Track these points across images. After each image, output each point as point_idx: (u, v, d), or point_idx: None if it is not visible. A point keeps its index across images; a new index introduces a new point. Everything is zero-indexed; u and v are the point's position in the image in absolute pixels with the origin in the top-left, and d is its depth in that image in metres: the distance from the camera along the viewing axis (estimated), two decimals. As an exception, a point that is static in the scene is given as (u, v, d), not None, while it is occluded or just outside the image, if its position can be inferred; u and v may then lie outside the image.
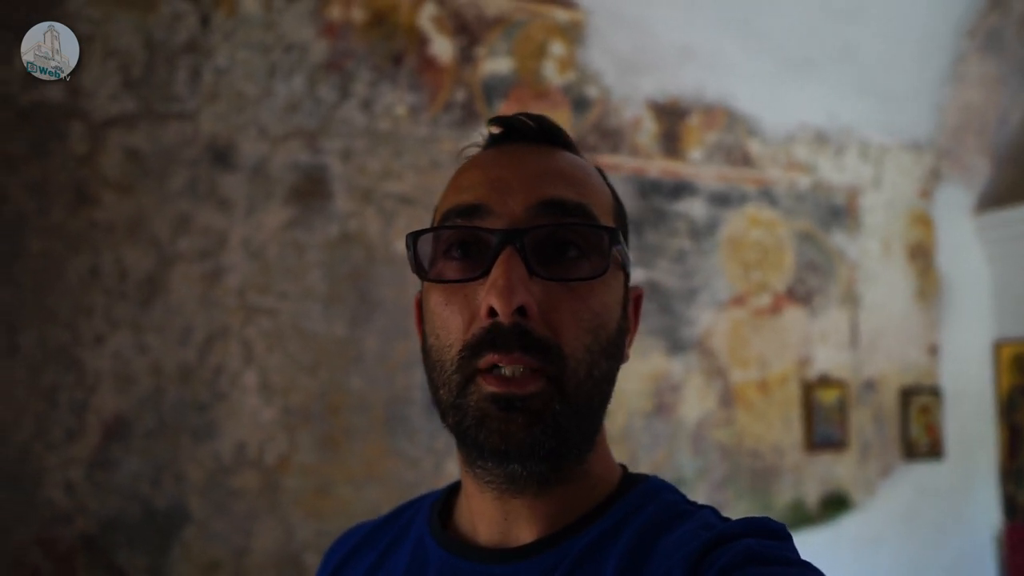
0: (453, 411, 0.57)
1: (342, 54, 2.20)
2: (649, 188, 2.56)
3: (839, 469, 2.79)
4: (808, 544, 2.70)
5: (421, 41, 2.28)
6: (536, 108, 2.41)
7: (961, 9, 2.81)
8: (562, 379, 0.56)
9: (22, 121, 1.93)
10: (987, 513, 3.01)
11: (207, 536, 2.01)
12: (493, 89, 2.37)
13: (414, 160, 2.28)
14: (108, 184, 2.00)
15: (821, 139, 2.84)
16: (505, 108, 2.38)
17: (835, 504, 2.77)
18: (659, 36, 2.53)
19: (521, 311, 0.55)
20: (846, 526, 2.77)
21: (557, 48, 2.43)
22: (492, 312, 0.55)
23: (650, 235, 2.55)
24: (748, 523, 0.56)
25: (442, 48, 2.30)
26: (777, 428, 2.71)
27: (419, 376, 2.25)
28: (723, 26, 2.59)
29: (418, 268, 0.60)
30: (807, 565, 0.52)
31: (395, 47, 2.25)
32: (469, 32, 2.32)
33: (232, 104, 2.11)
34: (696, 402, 2.59)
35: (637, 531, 0.58)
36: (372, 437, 2.18)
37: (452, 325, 0.58)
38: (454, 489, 0.70)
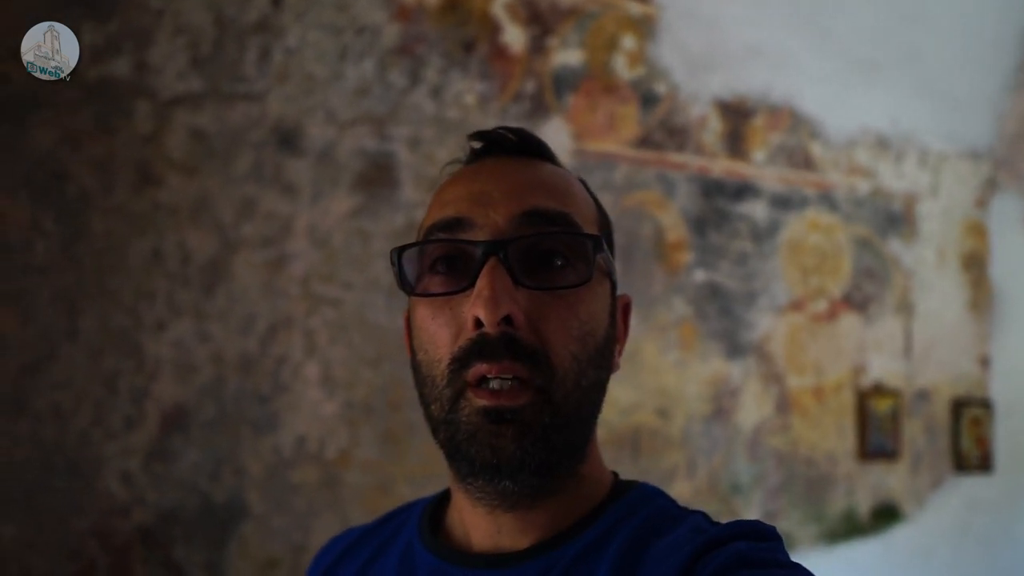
0: (445, 426, 0.58)
1: (414, 39, 2.14)
2: (713, 188, 2.51)
3: (891, 480, 2.75)
4: (860, 555, 2.66)
5: (493, 29, 2.21)
6: (605, 102, 2.35)
7: (1026, 15, 2.77)
8: (550, 389, 0.56)
9: (87, 97, 1.86)
10: (1034, 528, 2.97)
11: (265, 532, 1.94)
12: (563, 81, 2.31)
13: (481, 151, 2.22)
14: (172, 165, 1.93)
15: (882, 144, 2.79)
16: (575, 101, 2.32)
17: (886, 515, 2.72)
18: (728, 34, 2.47)
19: (507, 320, 0.55)
20: (897, 537, 2.73)
21: (628, 42, 2.37)
22: (478, 323, 0.55)
23: (712, 236, 2.50)
24: (738, 526, 0.56)
25: (514, 37, 2.24)
26: (831, 436, 2.66)
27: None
28: (791, 25, 2.54)
29: (403, 284, 0.60)
30: (797, 567, 0.52)
31: (467, 34, 2.19)
32: (542, 22, 2.26)
33: (301, 86, 2.04)
34: (754, 408, 2.54)
35: (629, 536, 0.58)
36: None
37: (440, 339, 0.58)
38: (445, 496, 0.69)
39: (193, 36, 1.94)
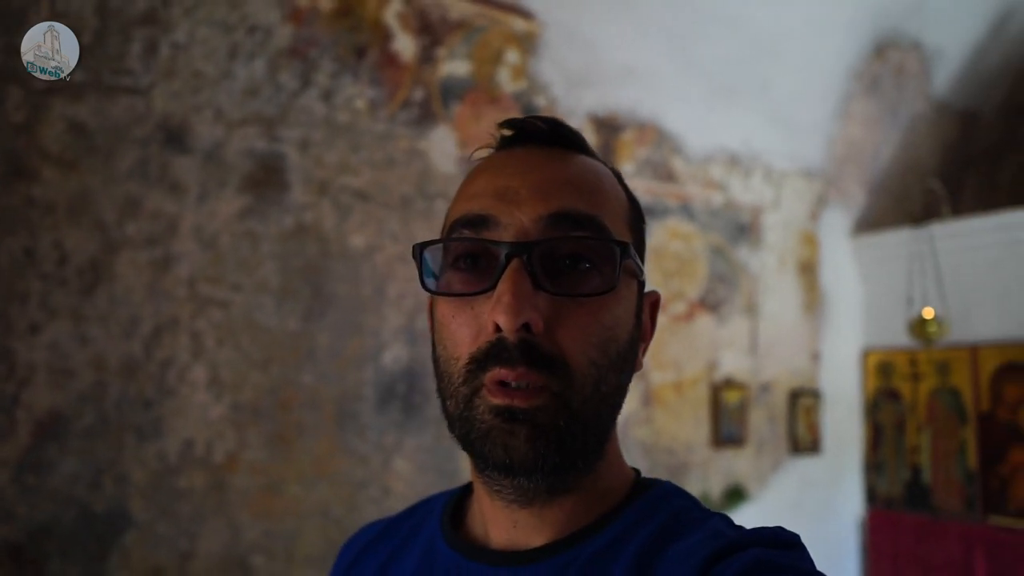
0: (460, 423, 0.57)
1: (306, 41, 2.14)
2: (587, 197, 2.68)
3: (739, 464, 3.05)
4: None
5: (385, 36, 2.26)
6: (488, 113, 2.46)
7: (854, 53, 3.16)
8: (568, 395, 0.55)
9: (-51, 82, 1.73)
10: (852, 501, 3.39)
11: (149, 541, 1.89)
12: (450, 90, 2.39)
13: (370, 155, 2.25)
14: (48, 158, 1.83)
15: (734, 161, 3.09)
16: (460, 110, 2.40)
17: (735, 496, 3.02)
18: (604, 54, 2.65)
19: (527, 327, 0.54)
20: (743, 516, 3.03)
21: (512, 56, 2.49)
22: (498, 328, 0.55)
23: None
24: (759, 533, 0.56)
25: (404, 45, 2.29)
26: (689, 427, 2.91)
27: (370, 373, 2.23)
28: (662, 50, 2.75)
29: (425, 280, 0.59)
30: None
31: (359, 40, 2.22)
32: (432, 32, 2.33)
33: (188, 83, 1.99)
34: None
35: (646, 538, 0.58)
36: (322, 434, 2.14)
37: (459, 337, 0.57)
38: (468, 489, 0.69)
39: (73, 22, 1.85)
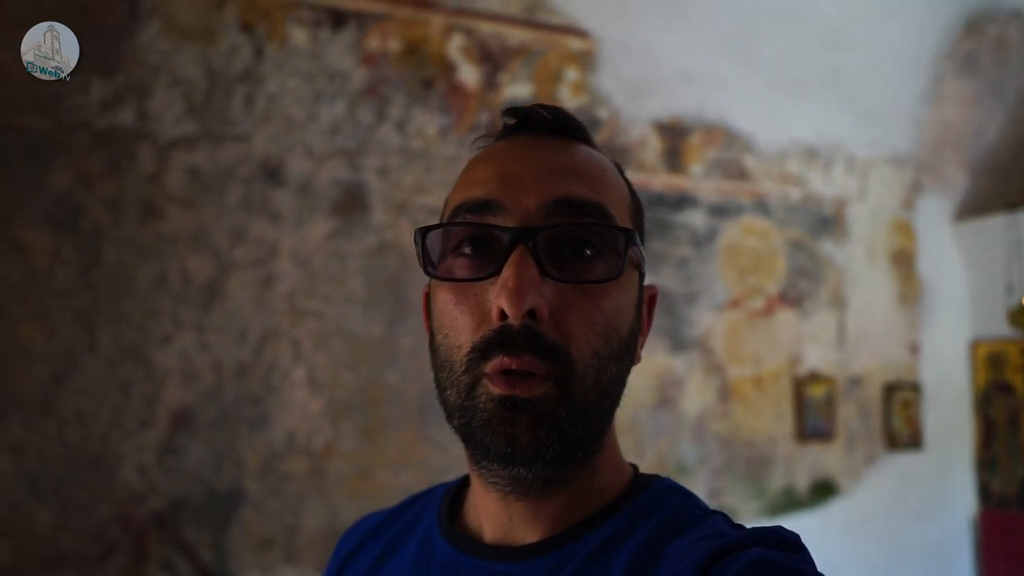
0: (461, 412, 0.56)
1: (379, 81, 2.44)
2: (654, 201, 2.81)
3: (827, 458, 3.04)
4: (799, 526, 2.95)
5: (450, 69, 2.51)
6: (552, 128, 2.65)
7: (940, 34, 3.07)
8: (569, 384, 0.55)
9: (98, 143, 2.16)
10: (964, 499, 3.26)
11: (262, 515, 2.24)
12: (514, 112, 2.60)
13: (443, 176, 2.52)
14: (172, 199, 2.23)
15: (811, 154, 3.09)
16: (525, 129, 2.62)
17: (824, 490, 3.02)
18: (662, 62, 2.77)
19: (531, 313, 0.53)
20: (834, 511, 3.02)
21: (571, 74, 2.67)
22: (503, 314, 0.54)
23: (655, 244, 2.80)
24: (760, 532, 0.54)
25: (468, 75, 2.54)
26: (770, 420, 2.96)
27: (448, 372, 2.49)
28: (721, 51, 2.83)
29: (426, 265, 0.58)
30: None
31: (426, 74, 2.49)
32: (493, 60, 2.56)
33: (282, 127, 2.34)
34: (696, 396, 2.84)
35: (645, 537, 0.57)
36: (406, 426, 2.42)
37: (461, 325, 0.56)
38: (465, 482, 0.69)
39: (187, 87, 2.24)
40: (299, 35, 2.34)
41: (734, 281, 2.94)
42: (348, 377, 2.37)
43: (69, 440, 2.08)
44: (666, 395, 2.79)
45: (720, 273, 2.92)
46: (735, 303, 2.94)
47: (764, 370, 2.96)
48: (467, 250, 0.57)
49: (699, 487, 2.76)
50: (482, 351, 0.55)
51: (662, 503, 0.60)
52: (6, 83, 2.03)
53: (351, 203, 2.41)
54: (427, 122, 2.50)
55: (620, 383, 0.60)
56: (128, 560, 2.09)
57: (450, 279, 0.57)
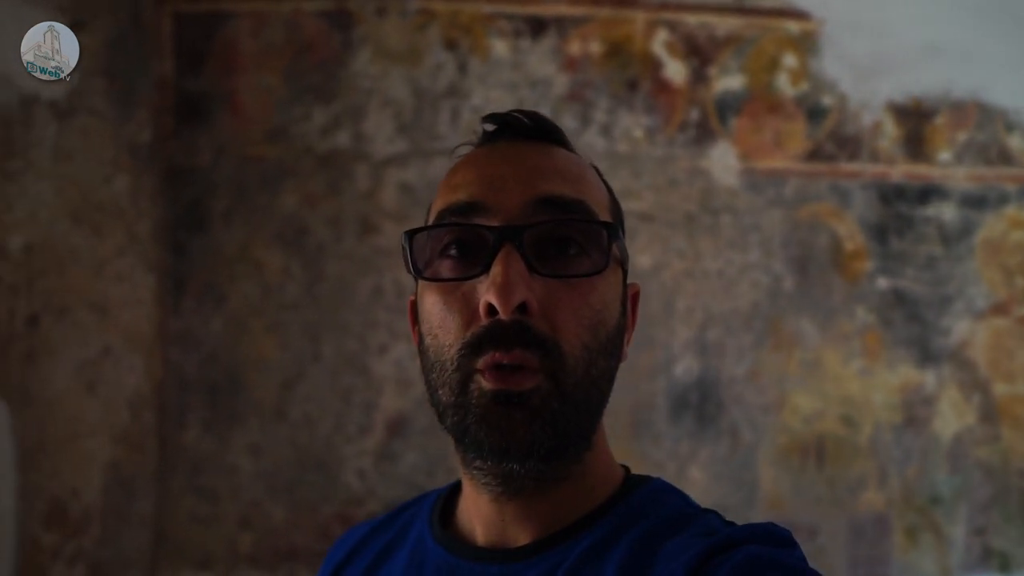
0: (454, 410, 0.57)
1: (581, 85, 2.38)
2: (892, 194, 2.48)
3: None
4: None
5: (655, 66, 2.40)
6: (770, 121, 2.44)
7: None
8: (560, 376, 0.55)
9: (320, 166, 2.31)
10: None
11: (473, 525, 2.25)
12: (726, 106, 2.43)
13: (652, 179, 2.40)
14: (387, 215, 2.32)
15: (1098, 129, 2.57)
16: (739, 123, 2.43)
17: None
18: (898, 37, 2.44)
19: (522, 308, 0.54)
20: None
21: (790, 60, 2.44)
22: (492, 310, 0.54)
23: (895, 242, 2.46)
24: (752, 529, 0.54)
25: (675, 71, 2.40)
26: (1052, 447, 2.47)
27: (662, 384, 2.36)
28: (971, 16, 2.44)
29: (413, 268, 0.60)
30: (815, 574, 0.51)
31: (630, 74, 2.39)
32: (701, 53, 2.41)
33: (486, 139, 2.36)
34: (952, 417, 2.45)
35: (639, 536, 0.57)
36: (620, 441, 2.31)
37: (450, 324, 0.57)
38: (456, 488, 0.69)
39: (397, 107, 2.34)
40: (500, 46, 2.36)
41: (998, 283, 2.51)
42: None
43: (298, 443, 2.22)
44: (913, 414, 2.43)
45: (979, 273, 2.50)
46: (1000, 308, 2.50)
47: (1041, 388, 2.49)
48: (453, 252, 0.58)
49: (958, 525, 2.37)
50: (473, 347, 0.56)
51: (655, 503, 0.61)
52: (243, 119, 2.24)
53: (555, 211, 2.37)
54: (633, 124, 2.40)
55: (609, 378, 0.61)
56: (351, 561, 2.19)
57: (438, 279, 0.59)
